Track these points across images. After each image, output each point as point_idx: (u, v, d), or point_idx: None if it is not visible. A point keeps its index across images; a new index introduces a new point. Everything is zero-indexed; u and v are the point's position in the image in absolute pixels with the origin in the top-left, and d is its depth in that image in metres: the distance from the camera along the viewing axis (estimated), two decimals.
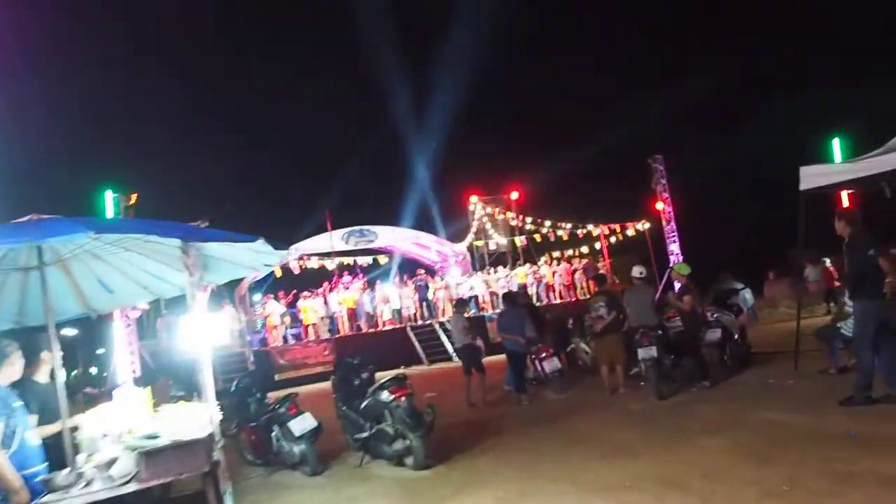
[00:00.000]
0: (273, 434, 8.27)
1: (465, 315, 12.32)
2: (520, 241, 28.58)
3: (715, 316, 10.53)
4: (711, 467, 5.78)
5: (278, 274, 26.38)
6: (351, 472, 8.01)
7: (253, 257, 5.71)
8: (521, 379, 11.22)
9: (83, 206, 21.58)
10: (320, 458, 8.28)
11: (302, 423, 7.94)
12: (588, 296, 26.77)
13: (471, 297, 23.94)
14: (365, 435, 7.90)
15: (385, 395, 7.54)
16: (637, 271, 10.22)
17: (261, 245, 5.07)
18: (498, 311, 24.30)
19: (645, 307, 9.99)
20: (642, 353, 9.44)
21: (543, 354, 11.40)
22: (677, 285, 10.50)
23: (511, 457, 7.53)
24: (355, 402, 8.14)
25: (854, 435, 5.99)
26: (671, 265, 9.88)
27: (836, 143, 23.30)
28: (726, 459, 5.94)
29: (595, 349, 10.78)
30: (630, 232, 29.11)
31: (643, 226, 28.95)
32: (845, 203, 15.59)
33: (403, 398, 7.50)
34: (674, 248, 28.16)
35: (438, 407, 12.11)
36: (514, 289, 25.63)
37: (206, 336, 5.55)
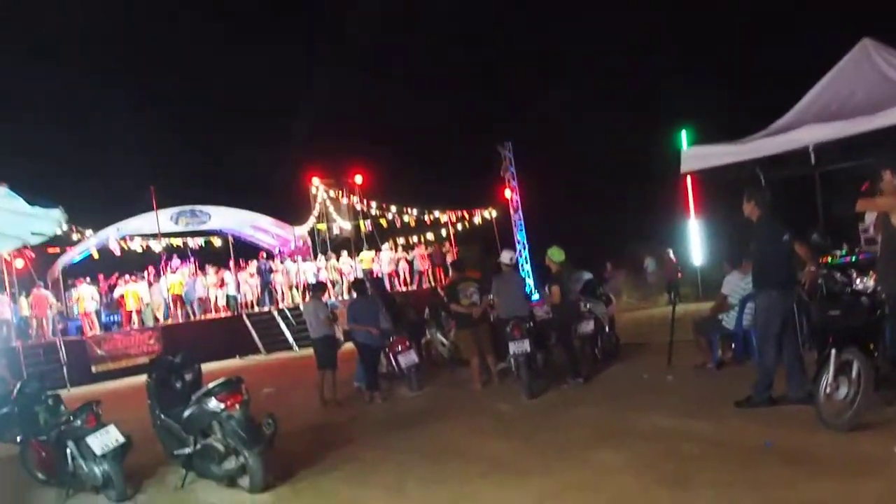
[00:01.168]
0: (68, 451, 6.46)
1: (322, 300, 10.71)
2: (364, 225, 27.23)
3: (588, 306, 9.78)
4: (620, 494, 4.81)
5: (95, 255, 23.53)
6: (170, 496, 6.46)
7: (17, 222, 4.01)
8: (373, 375, 9.95)
9: None
10: (129, 478, 6.61)
11: (104, 439, 6.23)
12: (434, 284, 26.28)
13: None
14: (188, 451, 6.31)
15: (213, 404, 5.98)
16: (507, 257, 9.23)
17: (21, 205, 3.44)
18: (340, 298, 23.08)
19: (516, 296, 9.05)
20: (514, 347, 8.47)
21: (399, 347, 10.19)
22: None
23: (370, 474, 6.26)
24: (176, 410, 6.48)
25: (770, 445, 5.25)
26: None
27: (683, 136, 23.87)
28: (633, 482, 4.97)
29: (464, 340, 9.70)
30: (477, 220, 28.63)
31: (490, 213, 28.56)
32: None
33: (237, 407, 5.99)
34: (520, 236, 28.00)
35: (279, 406, 10.73)
36: (360, 275, 24.56)
37: None
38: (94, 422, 6.28)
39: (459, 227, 28.59)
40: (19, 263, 20.72)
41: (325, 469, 6.62)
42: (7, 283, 20.07)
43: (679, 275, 21.49)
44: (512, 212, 28.24)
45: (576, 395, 8.40)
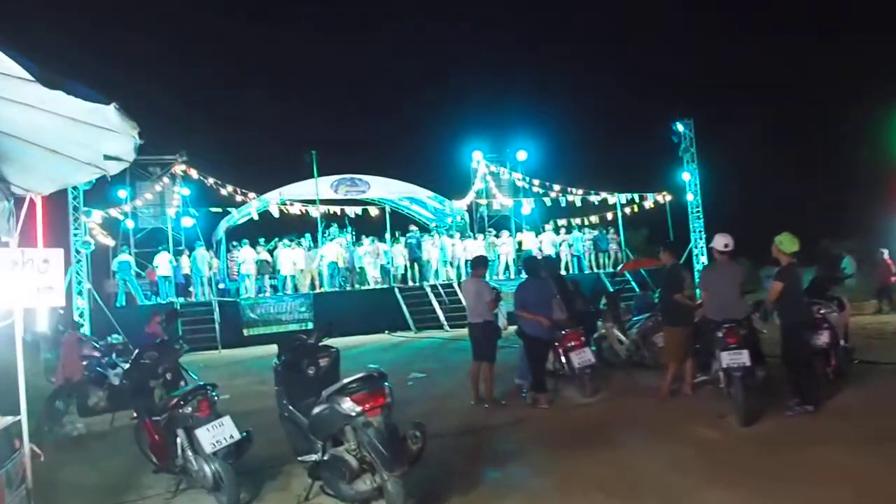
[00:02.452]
0: (178, 440, 5.41)
1: (483, 279, 9.06)
2: (527, 204, 25.57)
3: (822, 312, 7.63)
4: None
5: (255, 218, 23.60)
6: None
7: (84, 137, 2.74)
8: (540, 374, 8.35)
9: None
10: (247, 478, 5.50)
11: (216, 434, 5.11)
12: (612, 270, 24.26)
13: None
14: (315, 458, 5.05)
15: (348, 406, 4.64)
16: (721, 242, 7.23)
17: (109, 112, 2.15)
18: (499, 278, 21.70)
19: (731, 293, 7.09)
20: (728, 358, 6.58)
21: (572, 343, 8.54)
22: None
23: None
24: (307, 402, 5.21)
25: None
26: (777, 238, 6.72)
27: None
28: None
29: (675, 339, 7.92)
30: (648, 204, 26.18)
31: (664, 197, 26.00)
32: None
33: (378, 413, 4.63)
34: (696, 224, 25.24)
35: (427, 398, 9.45)
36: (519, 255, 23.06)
37: None
38: (207, 410, 5.17)
39: (628, 210, 26.28)
40: (188, 222, 21.04)
41: (481, 497, 5.16)
42: (171, 241, 20.43)
43: (893, 278, 18.23)
44: (690, 196, 25.48)
45: (806, 428, 6.37)
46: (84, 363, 8.56)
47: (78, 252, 16.79)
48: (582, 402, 8.34)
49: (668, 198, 25.98)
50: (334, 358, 5.52)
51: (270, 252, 21.59)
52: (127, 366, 7.90)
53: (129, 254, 19.58)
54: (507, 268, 23.37)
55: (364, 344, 17.55)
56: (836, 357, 7.70)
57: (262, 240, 21.84)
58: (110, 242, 20.92)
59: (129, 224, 21.21)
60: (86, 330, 16.84)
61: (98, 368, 8.73)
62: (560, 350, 8.61)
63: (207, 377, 11.64)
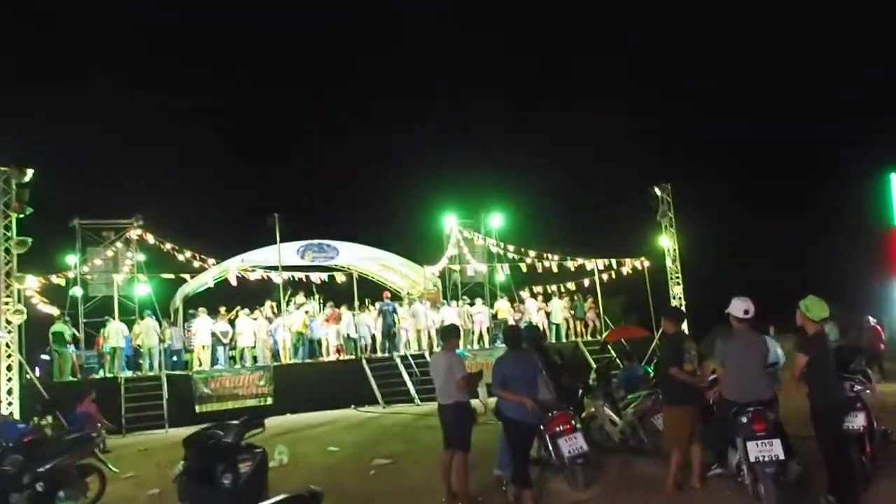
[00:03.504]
0: None
1: (456, 352, 7.64)
2: (502, 270, 24.53)
3: (856, 389, 6.50)
4: None
5: (211, 285, 22.17)
6: None
7: None
8: (523, 464, 7.03)
9: None
10: None
11: None
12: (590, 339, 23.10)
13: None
14: None
15: None
16: (740, 308, 6.08)
17: None
18: (471, 349, 20.44)
19: (755, 368, 5.96)
20: (757, 450, 5.40)
21: (560, 427, 7.29)
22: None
23: None
24: None
25: None
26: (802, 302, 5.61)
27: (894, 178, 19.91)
28: None
29: (676, 421, 6.72)
30: (625, 270, 25.31)
31: (642, 263, 25.15)
32: None
33: None
34: (677, 290, 24.33)
35: (394, 492, 8.13)
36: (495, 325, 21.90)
37: None
38: None
39: (605, 276, 25.35)
40: (142, 289, 19.66)
41: None
42: (117, 310, 18.99)
43: (882, 346, 17.35)
44: (669, 262, 24.63)
45: None
46: None
47: (9, 322, 15.23)
48: (573, 498, 7.06)
49: (647, 263, 25.14)
50: (259, 462, 4.23)
51: (231, 322, 20.09)
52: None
53: (67, 323, 17.88)
54: (480, 338, 22.15)
55: (328, 421, 16.10)
56: (871, 442, 6.52)
57: (222, 309, 20.34)
58: (53, 311, 19.28)
59: (77, 291, 19.67)
60: (13, 409, 15.17)
61: None
62: (547, 436, 7.35)
63: (138, 466, 10.13)
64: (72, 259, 19.87)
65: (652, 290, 24.86)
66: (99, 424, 13.21)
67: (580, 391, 9.51)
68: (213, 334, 18.89)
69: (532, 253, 24.71)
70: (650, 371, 10.94)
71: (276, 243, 20.65)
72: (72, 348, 17.92)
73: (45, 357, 17.76)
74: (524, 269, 24.51)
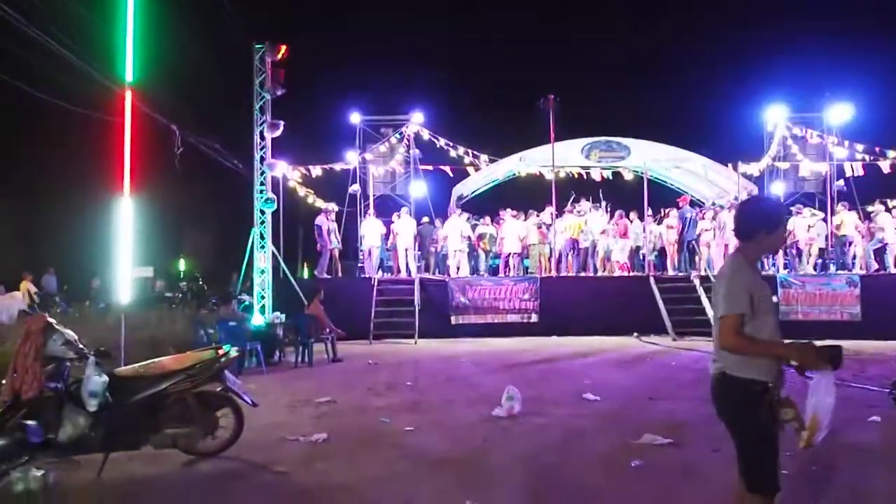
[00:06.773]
0: None
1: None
2: (853, 171, 18.75)
3: None
4: None
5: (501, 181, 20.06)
6: None
7: None
8: None
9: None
10: None
11: None
12: None
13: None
14: None
15: None
16: None
17: None
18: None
19: None
20: None
21: None
22: None
23: None
24: None
25: None
26: None
27: None
28: None
29: None
30: None
31: None
32: None
33: None
34: None
35: None
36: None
37: None
38: None
39: None
40: (417, 188, 18.25)
41: None
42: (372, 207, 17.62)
43: None
44: None
45: None
46: (49, 369, 4.97)
47: (262, 213, 14.29)
48: None
49: None
50: None
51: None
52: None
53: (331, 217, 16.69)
54: (809, 258, 17.15)
55: (597, 350, 12.98)
56: None
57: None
58: (331, 206, 18.33)
59: (354, 188, 18.58)
60: (265, 303, 14.30)
61: (53, 384, 4.94)
62: None
63: (345, 386, 8.01)
64: (353, 154, 18.89)
65: None
66: (328, 329, 11.70)
67: None
68: (469, 238, 16.67)
69: (892, 154, 18.57)
70: None
71: (548, 131, 17.62)
72: None
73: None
74: (885, 171, 18.49)
